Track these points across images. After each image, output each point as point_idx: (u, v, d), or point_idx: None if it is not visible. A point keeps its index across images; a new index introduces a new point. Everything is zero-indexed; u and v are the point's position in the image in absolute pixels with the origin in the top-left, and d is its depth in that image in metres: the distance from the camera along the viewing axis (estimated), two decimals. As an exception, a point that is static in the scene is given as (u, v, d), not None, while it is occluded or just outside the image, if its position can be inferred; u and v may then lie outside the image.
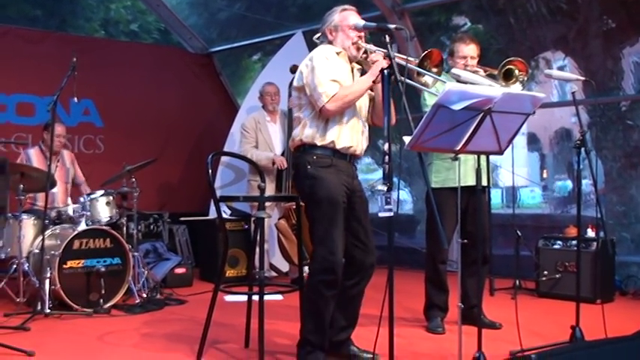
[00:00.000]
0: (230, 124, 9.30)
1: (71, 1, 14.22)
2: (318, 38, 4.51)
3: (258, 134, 7.89)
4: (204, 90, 10.85)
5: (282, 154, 7.64)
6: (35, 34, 9.71)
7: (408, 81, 3.79)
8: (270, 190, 7.52)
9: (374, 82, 4.15)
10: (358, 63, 4.46)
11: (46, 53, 9.25)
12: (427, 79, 4.05)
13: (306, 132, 4.29)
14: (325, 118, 4.23)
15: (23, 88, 9.12)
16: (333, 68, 4.24)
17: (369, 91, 4.38)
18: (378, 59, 4.11)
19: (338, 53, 4.35)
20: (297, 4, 11.11)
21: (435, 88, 4.40)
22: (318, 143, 4.25)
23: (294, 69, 7.47)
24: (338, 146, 4.25)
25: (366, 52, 4.32)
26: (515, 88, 4.90)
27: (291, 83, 7.43)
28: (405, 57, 4.01)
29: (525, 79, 4.96)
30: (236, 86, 11.68)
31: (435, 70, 4.01)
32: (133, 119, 9.87)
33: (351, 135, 4.30)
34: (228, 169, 8.96)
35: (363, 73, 4.43)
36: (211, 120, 10.59)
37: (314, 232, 4.23)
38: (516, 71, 4.96)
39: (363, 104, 4.43)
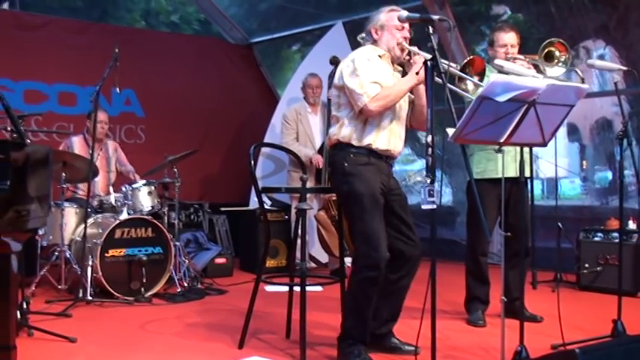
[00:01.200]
0: (270, 115, 9.32)
1: (113, -7, 14.34)
2: (362, 37, 4.49)
3: (299, 125, 7.88)
4: (244, 81, 10.87)
5: (322, 145, 7.60)
6: (77, 25, 9.81)
7: (450, 85, 3.77)
8: (309, 181, 7.51)
9: (418, 83, 4.13)
10: (400, 65, 4.43)
11: (88, 44, 9.35)
12: (468, 85, 4.00)
13: (343, 132, 4.28)
14: (365, 118, 4.22)
15: (65, 78, 9.22)
16: (375, 70, 4.22)
17: (409, 94, 4.36)
18: (420, 62, 4.10)
19: (380, 56, 4.33)
20: (338, -6, 11.08)
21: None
22: (355, 144, 4.24)
23: (334, 60, 7.46)
24: (375, 149, 4.24)
25: (409, 54, 4.30)
26: (558, 70, 4.84)
27: (331, 74, 7.43)
28: (446, 62, 3.98)
29: (567, 58, 4.89)
30: (275, 77, 11.69)
31: (476, 77, 3.97)
32: (173, 110, 9.93)
33: (388, 138, 4.29)
34: (268, 159, 8.99)
35: (404, 75, 4.41)
36: (251, 111, 10.61)
37: (355, 229, 4.21)
38: (557, 53, 4.89)
39: (403, 107, 4.41)
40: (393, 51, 4.33)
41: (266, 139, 8.91)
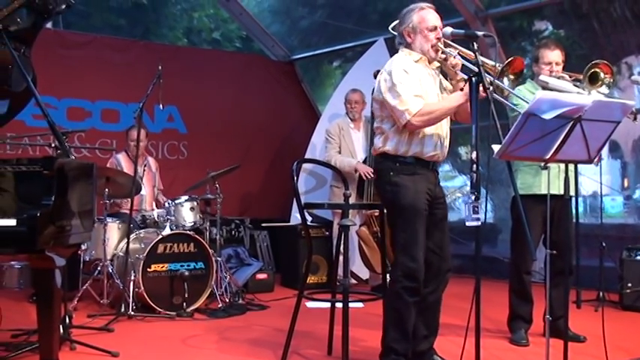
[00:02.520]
0: (311, 132, 9.32)
1: (155, 11, 14.50)
2: (397, 35, 4.43)
3: (341, 140, 7.84)
4: (286, 97, 10.92)
5: (365, 161, 7.58)
6: (120, 43, 9.96)
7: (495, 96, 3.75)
8: (351, 197, 7.47)
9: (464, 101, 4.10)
10: (437, 61, 4.37)
11: (131, 61, 9.48)
12: (505, 82, 3.96)
13: (388, 145, 4.25)
14: (409, 131, 4.18)
15: (108, 95, 9.34)
16: (414, 81, 4.16)
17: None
18: (458, 63, 4.06)
19: (417, 61, 4.28)
20: (378, 11, 11.09)
21: (523, 95, 4.32)
22: (401, 153, 4.21)
23: (377, 74, 7.44)
24: (422, 156, 4.21)
25: (444, 53, 4.25)
26: (602, 91, 4.78)
27: (374, 90, 7.40)
28: (491, 64, 3.94)
29: (611, 81, 4.83)
30: (316, 93, 11.72)
31: (512, 76, 3.92)
32: (216, 126, 10.00)
33: (435, 142, 4.24)
34: (309, 175, 8.98)
35: (442, 73, 4.38)
36: (293, 127, 10.64)
37: (396, 239, 4.19)
38: (602, 74, 4.83)
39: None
40: (427, 53, 4.26)
41: (307, 155, 8.92)
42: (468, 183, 3.66)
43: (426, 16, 4.24)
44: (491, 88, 3.75)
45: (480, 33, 3.93)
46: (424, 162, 4.24)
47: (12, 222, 3.54)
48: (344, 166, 7.50)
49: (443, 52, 4.22)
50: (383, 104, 4.26)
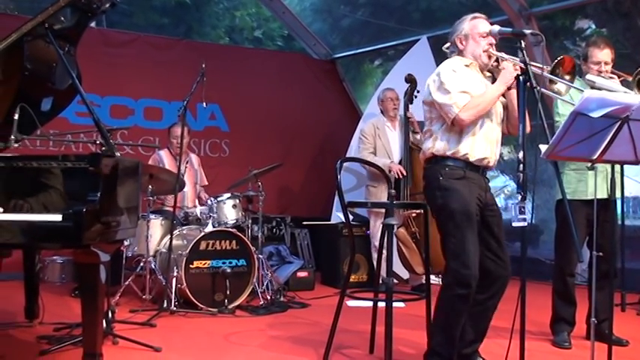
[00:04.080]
0: (352, 130, 9.30)
1: (198, 9, 14.58)
2: (447, 48, 4.43)
3: (376, 140, 7.79)
4: (327, 96, 10.93)
5: (400, 162, 7.53)
6: (163, 41, 10.06)
7: (542, 90, 3.70)
8: (384, 197, 7.42)
9: (508, 88, 4.07)
10: (489, 71, 4.35)
11: (174, 60, 9.57)
12: (560, 86, 3.92)
13: (437, 145, 4.21)
14: (459, 129, 4.14)
15: (151, 93, 9.47)
16: (462, 80, 4.14)
17: (502, 98, 4.28)
18: (509, 67, 4.03)
19: (467, 65, 4.26)
20: (421, 10, 11.06)
21: (570, 96, 4.27)
22: (450, 156, 4.17)
23: (409, 78, 7.43)
24: (471, 158, 4.15)
25: (497, 60, 4.22)
26: None
27: (406, 92, 7.39)
28: (538, 65, 3.91)
29: None
30: (356, 92, 11.71)
31: (567, 77, 3.89)
32: (257, 124, 10.06)
33: (485, 145, 4.19)
34: (349, 174, 8.95)
35: (494, 81, 4.34)
36: (334, 126, 10.64)
37: (447, 246, 4.12)
38: None
39: (497, 112, 4.31)
40: (479, 59, 4.25)
41: (348, 154, 8.90)
42: (510, 183, 3.64)
43: (478, 24, 4.26)
44: (538, 88, 3.72)
45: (527, 31, 3.90)
46: (474, 166, 4.19)
47: (58, 217, 3.57)
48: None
49: (496, 60, 4.23)
50: (432, 105, 4.24)
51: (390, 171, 7.38)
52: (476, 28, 4.25)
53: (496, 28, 4.15)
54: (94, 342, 3.92)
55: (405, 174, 7.30)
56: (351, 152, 8.91)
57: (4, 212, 3.75)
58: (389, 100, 7.90)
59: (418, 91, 7.38)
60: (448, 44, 4.42)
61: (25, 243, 4.39)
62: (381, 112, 8.01)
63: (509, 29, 4.15)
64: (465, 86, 4.12)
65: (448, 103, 4.08)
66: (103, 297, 4.10)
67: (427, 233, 4.66)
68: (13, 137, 4.17)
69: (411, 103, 7.46)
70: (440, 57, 8.66)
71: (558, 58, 3.90)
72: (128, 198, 4.08)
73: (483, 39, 4.23)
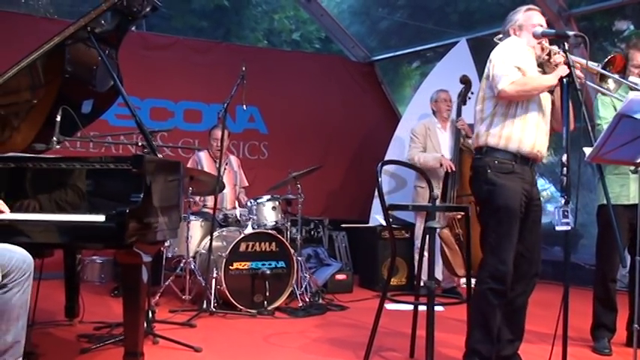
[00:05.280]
0: (391, 133, 9.29)
1: (237, 13, 14.63)
2: (500, 39, 4.41)
3: (427, 141, 7.75)
4: (365, 98, 10.91)
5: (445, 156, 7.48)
6: (202, 44, 10.13)
7: (590, 84, 3.66)
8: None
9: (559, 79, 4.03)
10: (539, 65, 4.32)
11: (213, 62, 9.64)
12: (610, 84, 3.88)
13: (491, 131, 4.20)
14: (509, 112, 4.14)
15: (190, 95, 9.54)
16: (519, 57, 4.14)
17: (550, 95, 4.25)
18: (561, 61, 4.00)
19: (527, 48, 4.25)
20: (459, 12, 10.99)
21: (611, 100, 4.22)
22: (502, 144, 4.15)
23: (464, 79, 7.41)
24: (523, 149, 4.14)
25: (549, 53, 4.20)
26: None
27: (460, 93, 7.36)
28: (593, 63, 3.88)
29: None
30: (395, 94, 11.66)
31: (617, 75, 3.85)
32: (296, 126, 10.10)
33: (535, 134, 4.17)
34: (389, 177, 8.94)
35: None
36: (372, 128, 10.63)
37: (486, 239, 4.13)
38: None
39: (547, 105, 4.29)
40: (533, 50, 4.25)
41: (387, 157, 8.87)
42: (549, 187, 3.60)
43: (532, 16, 4.29)
44: (582, 89, 3.69)
45: (571, 32, 3.87)
46: (523, 159, 4.18)
47: (101, 218, 3.60)
48: (428, 161, 7.45)
49: (548, 53, 4.20)
50: (488, 80, 4.23)
51: (441, 165, 7.35)
52: (530, 19, 4.28)
53: (539, 29, 4.15)
54: (135, 341, 3.96)
55: (454, 169, 7.24)
56: (393, 154, 8.87)
57: (47, 213, 3.80)
58: (442, 101, 7.85)
59: (472, 93, 7.35)
60: (500, 35, 4.41)
61: (68, 243, 4.45)
62: (433, 112, 7.96)
63: (553, 30, 4.14)
64: (520, 63, 4.10)
65: (500, 73, 4.07)
66: (145, 297, 4.14)
67: (469, 236, 4.63)
68: (55, 139, 4.22)
69: (464, 104, 7.45)
70: (480, 59, 8.65)
71: (609, 56, 3.87)
72: (170, 199, 4.11)
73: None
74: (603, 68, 3.84)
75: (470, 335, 4.20)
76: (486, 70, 4.27)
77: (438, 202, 7.17)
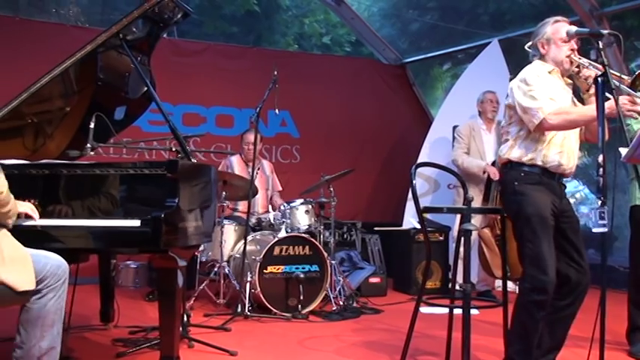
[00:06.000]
0: (423, 135, 9.25)
1: (267, 18, 14.69)
2: (529, 47, 4.37)
3: (471, 141, 7.72)
4: (397, 101, 10.88)
5: (493, 164, 7.44)
6: (233, 50, 10.21)
7: (625, 88, 3.62)
8: (477, 200, 7.30)
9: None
10: (569, 77, 4.29)
11: (244, 68, 9.69)
12: None
13: (513, 152, 4.20)
14: (536, 136, 4.11)
15: (222, 100, 9.59)
16: (547, 86, 4.12)
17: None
18: (591, 75, 3.97)
19: (550, 72, 4.22)
20: (489, 12, 10.95)
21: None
22: (527, 162, 4.14)
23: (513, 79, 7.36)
24: (547, 166, 4.12)
25: (578, 66, 4.17)
26: None
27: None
28: (616, 74, 3.83)
29: None
30: (426, 96, 11.61)
31: None
32: (328, 130, 10.11)
33: (561, 154, 4.14)
34: (422, 179, 8.90)
35: (574, 87, 4.28)
36: (405, 131, 10.60)
37: (524, 252, 4.07)
38: None
39: None
40: (561, 65, 4.21)
41: (420, 159, 8.83)
42: (582, 188, 3.56)
43: (560, 28, 4.21)
44: (616, 89, 3.64)
45: (605, 31, 3.82)
46: (550, 173, 4.15)
47: (136, 223, 3.63)
48: (472, 167, 7.45)
49: (577, 66, 4.18)
50: (513, 109, 4.22)
51: (484, 172, 7.32)
52: (558, 32, 4.21)
53: (573, 28, 4.10)
54: (171, 345, 3.98)
55: (498, 177, 7.20)
56: (424, 157, 8.83)
57: (81, 219, 3.83)
58: (488, 102, 7.81)
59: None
60: (530, 43, 4.37)
61: (104, 248, 4.50)
62: (479, 113, 7.93)
63: (586, 30, 4.09)
64: (551, 93, 4.09)
65: (534, 107, 4.04)
66: (180, 301, 4.16)
67: (504, 238, 4.58)
68: (88, 145, 4.26)
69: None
70: (512, 60, 8.60)
71: (638, 71, 3.83)
72: (204, 203, 4.13)
73: (565, 44, 4.19)
74: (633, 82, 3.79)
75: (509, 344, 4.16)
76: (510, 98, 4.25)
77: (478, 204, 7.16)
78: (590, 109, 3.97)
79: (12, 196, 3.36)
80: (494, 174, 7.21)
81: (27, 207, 3.68)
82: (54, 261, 3.39)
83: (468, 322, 4.08)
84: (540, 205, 4.04)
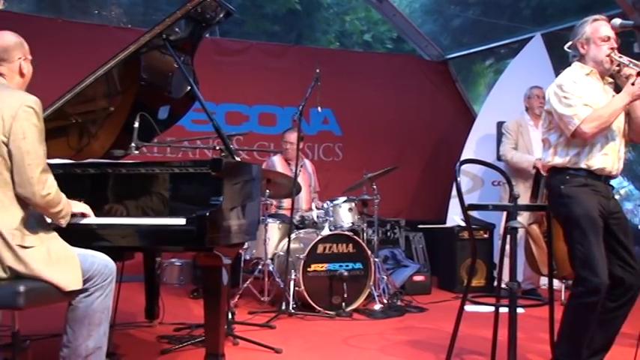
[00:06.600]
0: (466, 132, 9.16)
1: (308, 16, 14.69)
2: (569, 47, 4.31)
3: (518, 137, 7.63)
4: (440, 97, 10.80)
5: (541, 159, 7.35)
6: (275, 48, 10.23)
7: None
8: (525, 196, 7.22)
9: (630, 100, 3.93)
10: (611, 77, 4.22)
11: (286, 66, 9.71)
12: None
13: (556, 159, 4.17)
14: (577, 142, 4.07)
15: (265, 99, 9.62)
16: (583, 91, 4.06)
17: None
18: (632, 73, 3.90)
19: (587, 74, 4.16)
20: (531, 7, 10.85)
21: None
22: (571, 167, 4.10)
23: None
24: (592, 169, 4.07)
25: (619, 65, 4.09)
26: None
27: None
28: None
29: None
30: (469, 92, 11.52)
31: None
32: (370, 127, 10.06)
33: (605, 158, 4.09)
34: (465, 176, 8.82)
35: (616, 87, 4.21)
36: (448, 127, 10.52)
37: (575, 254, 4.01)
38: None
39: (620, 121, 4.17)
40: (601, 65, 4.14)
41: (463, 156, 8.75)
42: (627, 184, 3.50)
43: (599, 27, 4.14)
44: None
45: (649, 23, 3.76)
46: (595, 175, 4.09)
47: (182, 221, 3.65)
48: (521, 162, 7.37)
49: (618, 65, 4.10)
50: (551, 115, 4.18)
51: (534, 167, 7.25)
52: (597, 32, 4.14)
53: (617, 21, 4.04)
54: (216, 342, 4.00)
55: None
56: (467, 154, 8.75)
57: (127, 217, 3.86)
58: (535, 98, 7.68)
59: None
60: (569, 43, 4.31)
61: (149, 246, 4.53)
62: (526, 109, 7.83)
63: (631, 22, 4.03)
64: (587, 98, 4.03)
65: (569, 114, 4.01)
66: (225, 298, 4.17)
67: (550, 235, 4.52)
68: (133, 144, 4.29)
69: None
70: (555, 54, 8.48)
71: None
72: (248, 202, 4.14)
73: (605, 43, 4.12)
74: None
75: (558, 344, 4.12)
76: (546, 103, 4.23)
77: (526, 200, 7.08)
78: (616, 102, 3.98)
79: (63, 196, 3.38)
80: (545, 168, 7.13)
81: (82, 207, 3.71)
82: (101, 260, 3.42)
83: (514, 321, 4.05)
84: (588, 207, 3.99)
